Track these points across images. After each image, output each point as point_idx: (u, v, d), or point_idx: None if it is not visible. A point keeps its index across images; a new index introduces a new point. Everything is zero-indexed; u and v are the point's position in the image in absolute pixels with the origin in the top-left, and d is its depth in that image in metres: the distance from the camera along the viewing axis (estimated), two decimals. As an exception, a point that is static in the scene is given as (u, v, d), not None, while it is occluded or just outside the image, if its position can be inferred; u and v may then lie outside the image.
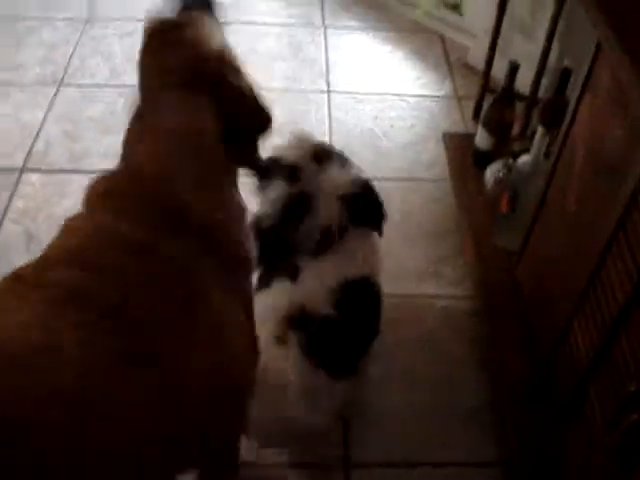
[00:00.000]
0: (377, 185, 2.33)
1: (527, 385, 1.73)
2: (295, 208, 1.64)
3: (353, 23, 3.10)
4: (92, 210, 1.15)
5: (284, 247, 1.65)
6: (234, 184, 1.31)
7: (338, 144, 2.45)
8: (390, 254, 2.15)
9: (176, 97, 1.20)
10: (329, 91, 2.71)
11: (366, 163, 2.40)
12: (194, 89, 1.21)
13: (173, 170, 1.15)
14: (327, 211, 1.64)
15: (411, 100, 2.70)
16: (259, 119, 1.31)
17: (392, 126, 2.58)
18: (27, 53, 2.82)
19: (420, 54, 2.94)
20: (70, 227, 1.14)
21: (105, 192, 1.15)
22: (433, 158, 2.46)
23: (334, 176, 1.69)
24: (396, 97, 2.71)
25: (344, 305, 1.55)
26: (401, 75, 2.83)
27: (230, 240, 1.21)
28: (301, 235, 1.63)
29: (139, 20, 3.01)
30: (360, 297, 1.63)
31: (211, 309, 1.14)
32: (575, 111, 1.59)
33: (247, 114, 1.28)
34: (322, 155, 1.74)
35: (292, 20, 3.09)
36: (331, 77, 2.78)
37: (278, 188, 1.67)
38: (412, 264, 2.15)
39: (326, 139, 2.50)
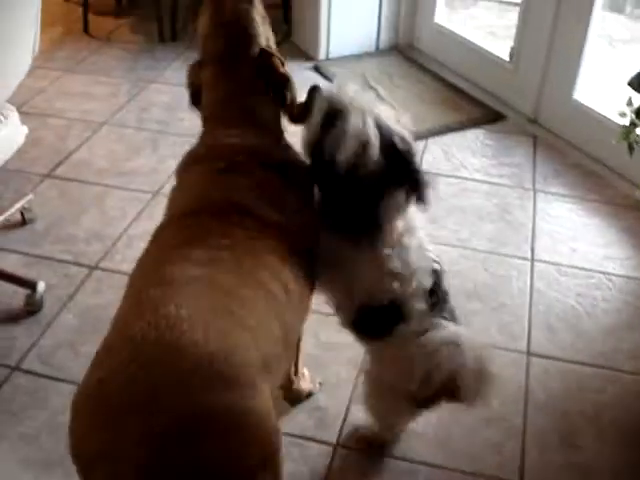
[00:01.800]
0: (573, 368, 2.26)
1: None
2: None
3: (564, 190, 3.07)
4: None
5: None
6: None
7: (537, 317, 2.41)
8: (581, 447, 2.04)
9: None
10: (533, 259, 2.67)
11: (564, 342, 2.34)
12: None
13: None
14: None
15: (618, 281, 2.60)
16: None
17: (595, 306, 2.49)
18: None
19: (632, 232, 2.85)
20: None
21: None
22: (636, 349, 2.33)
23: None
24: (602, 275, 2.62)
25: None
26: (609, 252, 2.74)
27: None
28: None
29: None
30: None
31: None
32: None
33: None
34: None
35: (502, 180, 3.10)
36: (536, 244, 2.74)
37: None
38: (603, 463, 2.01)
39: (525, 310, 2.44)
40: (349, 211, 1.57)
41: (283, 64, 1.66)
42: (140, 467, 1.11)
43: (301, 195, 1.61)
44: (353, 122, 1.50)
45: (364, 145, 1.49)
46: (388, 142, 1.52)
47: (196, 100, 1.69)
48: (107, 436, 1.14)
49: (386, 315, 1.67)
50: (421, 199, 1.61)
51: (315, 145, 1.57)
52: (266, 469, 1.22)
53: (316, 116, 1.58)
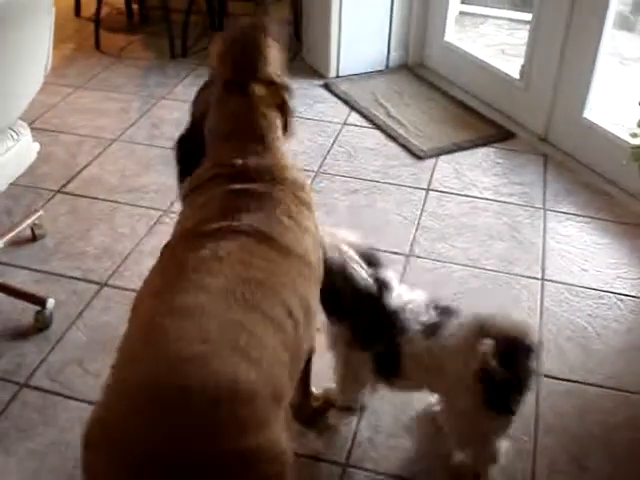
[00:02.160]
0: (583, 389, 2.24)
1: None
2: None
3: (574, 209, 3.05)
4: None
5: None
6: None
7: (547, 337, 2.39)
8: (591, 468, 2.02)
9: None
10: (543, 279, 2.66)
11: (574, 362, 2.33)
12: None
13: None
14: None
15: (629, 301, 2.58)
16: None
17: (606, 327, 2.47)
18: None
19: (643, 252, 2.84)
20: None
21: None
22: (648, 371, 2.32)
23: None
24: (613, 295, 2.60)
25: None
26: (620, 272, 2.72)
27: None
28: None
29: (364, 179, 3.17)
30: None
31: None
32: None
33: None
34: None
35: (512, 199, 3.09)
36: (547, 264, 2.73)
37: None
38: (614, 486, 1.99)
39: (535, 330, 2.42)
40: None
41: (289, 93, 1.70)
42: None
43: (311, 216, 1.61)
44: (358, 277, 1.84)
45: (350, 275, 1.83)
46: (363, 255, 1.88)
47: (196, 129, 1.68)
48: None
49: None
50: None
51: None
52: None
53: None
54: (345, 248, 1.85)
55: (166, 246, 1.54)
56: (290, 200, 1.55)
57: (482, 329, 1.73)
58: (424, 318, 1.83)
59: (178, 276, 1.38)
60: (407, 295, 1.89)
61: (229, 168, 1.57)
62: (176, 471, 1.14)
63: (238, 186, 1.52)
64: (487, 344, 1.69)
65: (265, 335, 1.33)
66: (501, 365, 1.68)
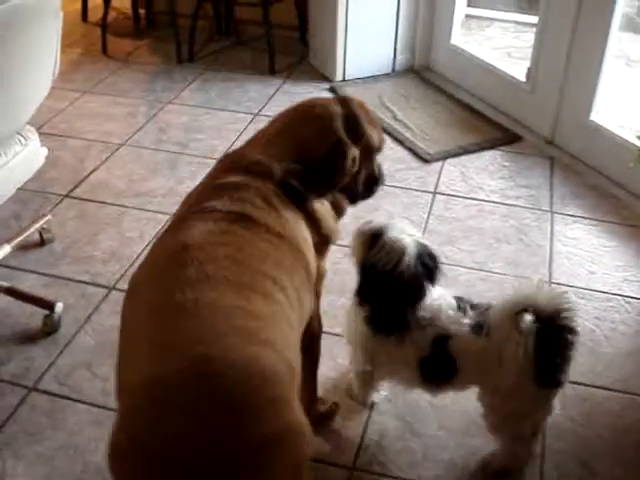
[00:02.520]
0: (591, 392, 2.24)
1: None
2: None
3: (581, 212, 3.05)
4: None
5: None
6: None
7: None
8: (600, 472, 2.02)
9: None
10: (550, 282, 2.65)
11: (583, 366, 2.31)
12: None
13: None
14: None
15: (637, 304, 2.57)
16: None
17: (614, 330, 2.46)
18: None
19: (650, 254, 2.84)
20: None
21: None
22: (656, 372, 2.31)
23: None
24: (621, 298, 2.60)
25: None
26: (628, 275, 2.72)
27: None
28: None
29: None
30: None
31: None
32: None
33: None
34: None
35: (519, 201, 3.09)
36: (554, 267, 2.73)
37: None
38: (623, 489, 1.99)
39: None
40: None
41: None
42: None
43: (298, 212, 1.64)
44: (391, 235, 1.79)
45: (402, 252, 1.75)
46: (421, 249, 1.80)
47: None
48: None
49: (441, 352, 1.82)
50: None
51: (364, 262, 1.82)
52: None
53: (362, 245, 1.86)
54: (407, 237, 1.82)
55: (156, 242, 1.59)
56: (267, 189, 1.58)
57: (519, 307, 1.74)
58: (468, 318, 1.82)
59: (168, 274, 1.41)
60: (437, 295, 1.87)
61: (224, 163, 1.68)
62: (211, 463, 1.16)
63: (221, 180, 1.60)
64: (527, 321, 1.71)
65: (266, 312, 1.36)
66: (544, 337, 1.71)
